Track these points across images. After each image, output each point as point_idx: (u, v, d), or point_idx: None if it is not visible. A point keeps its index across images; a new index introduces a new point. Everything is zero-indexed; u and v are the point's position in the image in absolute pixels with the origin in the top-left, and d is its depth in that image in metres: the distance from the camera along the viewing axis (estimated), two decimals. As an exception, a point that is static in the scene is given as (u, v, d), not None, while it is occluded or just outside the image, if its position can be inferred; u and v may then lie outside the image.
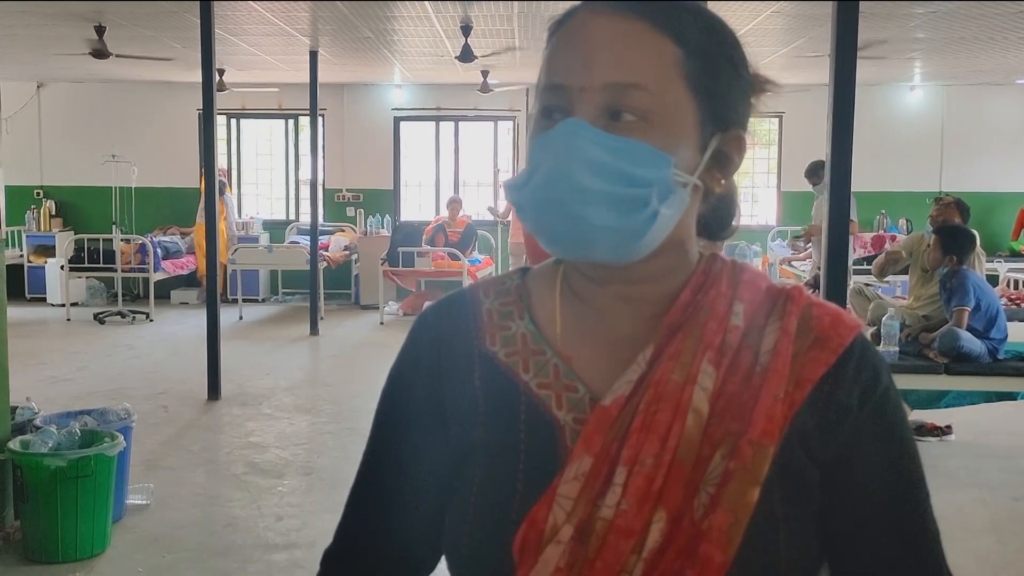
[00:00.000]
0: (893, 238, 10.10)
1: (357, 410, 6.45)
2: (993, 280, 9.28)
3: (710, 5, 1.01)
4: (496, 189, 12.59)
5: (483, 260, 11.29)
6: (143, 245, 10.87)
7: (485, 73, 10.60)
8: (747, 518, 0.82)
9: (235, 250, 11.13)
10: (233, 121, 12.81)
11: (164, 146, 12.38)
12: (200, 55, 6.81)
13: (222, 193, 10.68)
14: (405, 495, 0.97)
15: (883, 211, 11.78)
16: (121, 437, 4.23)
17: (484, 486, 0.90)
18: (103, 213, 11.94)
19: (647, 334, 0.90)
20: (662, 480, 0.83)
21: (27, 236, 11.98)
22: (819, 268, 8.01)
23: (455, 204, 11.24)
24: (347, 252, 11.89)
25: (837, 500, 0.88)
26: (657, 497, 0.82)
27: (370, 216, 12.00)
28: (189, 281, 12.00)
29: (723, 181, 0.91)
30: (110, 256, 10.74)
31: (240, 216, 12.54)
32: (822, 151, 4.49)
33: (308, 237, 10.42)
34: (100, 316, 10.43)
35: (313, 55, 9.51)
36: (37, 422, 4.39)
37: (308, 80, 9.72)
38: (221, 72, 10.71)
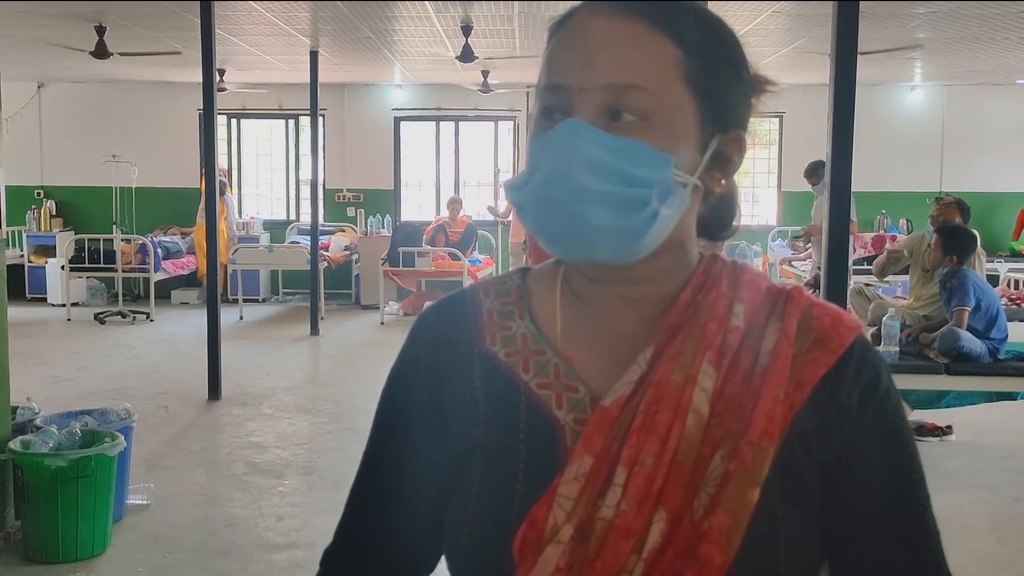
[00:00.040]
0: (893, 238, 10.10)
1: (357, 410, 6.46)
2: (993, 280, 9.28)
3: (710, 5, 1.01)
4: (496, 189, 12.59)
5: (483, 260, 11.29)
6: (143, 245, 10.87)
7: (485, 73, 10.60)
8: (747, 519, 0.82)
9: (235, 250, 11.13)
10: (233, 121, 12.82)
11: (164, 146, 12.38)
12: (200, 55, 6.81)
13: (222, 193, 10.69)
14: (405, 495, 0.97)
15: (883, 211, 11.79)
16: (121, 437, 4.23)
17: (484, 486, 0.90)
18: (104, 213, 11.94)
19: (647, 334, 0.90)
20: (662, 480, 0.83)
21: (28, 236, 11.99)
22: (819, 268, 8.03)
23: (455, 204, 11.24)
24: (347, 252, 11.89)
25: (837, 501, 0.88)
26: (657, 497, 0.82)
27: (370, 216, 12.00)
28: (189, 281, 12.00)
29: (723, 181, 0.91)
30: (110, 256, 10.74)
31: (240, 216, 12.54)
32: (822, 151, 4.49)
33: (308, 237, 10.42)
34: (100, 316, 10.43)
35: (313, 55, 9.52)
36: (38, 422, 4.39)
37: (308, 80, 9.72)
38: (221, 72, 10.71)
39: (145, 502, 4.66)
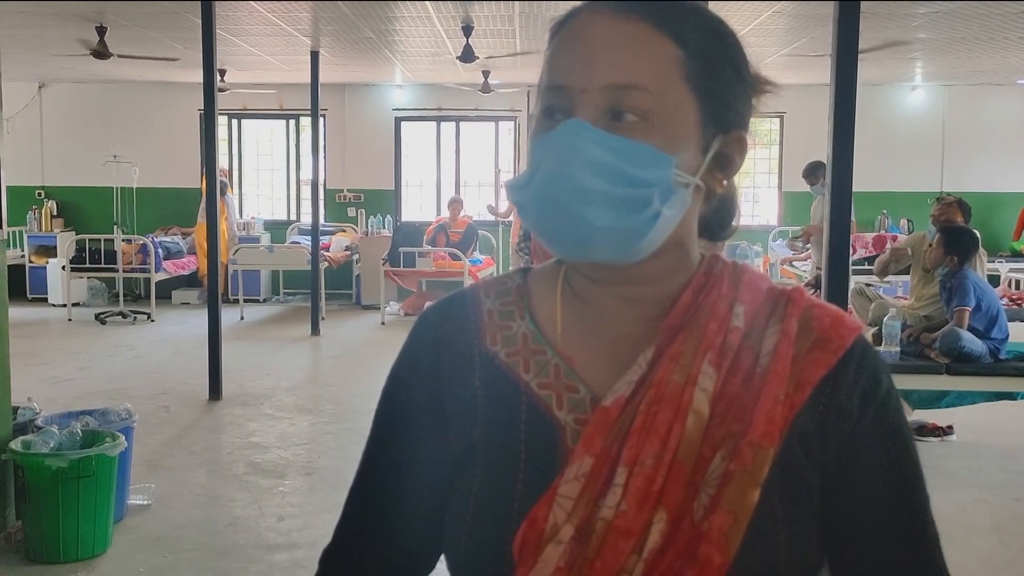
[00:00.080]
0: (894, 238, 10.10)
1: (358, 410, 6.46)
2: (994, 280, 9.28)
3: (711, 5, 1.01)
4: (497, 189, 12.59)
5: (484, 260, 11.29)
6: (144, 245, 10.88)
7: (486, 73, 10.60)
8: (747, 519, 0.82)
9: (236, 250, 11.14)
10: (234, 121, 12.82)
11: (165, 146, 12.39)
12: (201, 55, 6.81)
13: (223, 193, 10.68)
14: (405, 495, 0.97)
15: (884, 211, 11.78)
16: (122, 437, 4.23)
17: (484, 486, 0.90)
18: (104, 213, 11.94)
19: (648, 335, 0.90)
20: (662, 481, 0.83)
21: (28, 236, 11.99)
22: (819, 268, 8.04)
23: (456, 204, 11.24)
24: (348, 252, 11.90)
25: (838, 501, 0.88)
26: (657, 498, 0.83)
27: (371, 216, 12.01)
28: (190, 281, 12.00)
29: (725, 182, 0.91)
30: (111, 256, 10.74)
31: (241, 216, 12.54)
32: (823, 151, 4.49)
33: (309, 237, 10.42)
34: (101, 316, 10.44)
35: (314, 55, 9.52)
36: (38, 422, 4.39)
37: (309, 80, 9.72)
38: (222, 72, 10.72)
39: (146, 502, 4.66)
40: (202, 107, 7.22)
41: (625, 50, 0.85)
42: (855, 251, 9.78)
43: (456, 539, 0.91)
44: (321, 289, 10.29)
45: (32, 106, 12.40)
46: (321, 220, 10.44)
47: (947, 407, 5.85)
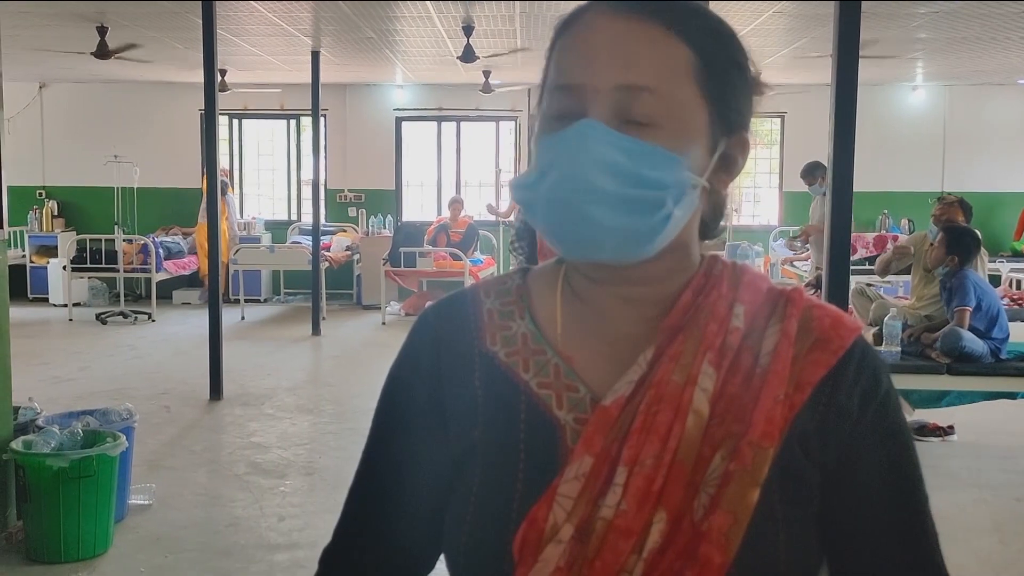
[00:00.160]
0: (895, 238, 10.10)
1: (359, 410, 6.46)
2: (995, 280, 9.28)
3: (711, 5, 1.01)
4: (498, 189, 12.59)
5: (485, 260, 11.29)
6: (145, 245, 10.88)
7: (487, 73, 10.60)
8: (747, 519, 0.82)
9: (237, 250, 11.14)
10: (235, 121, 12.82)
11: (166, 146, 12.39)
12: (202, 55, 6.81)
13: (224, 193, 10.69)
14: (404, 494, 0.97)
15: (885, 211, 11.78)
16: (123, 437, 4.23)
17: (484, 486, 0.90)
18: (105, 213, 11.95)
19: (648, 335, 0.90)
20: (662, 481, 0.83)
21: (29, 236, 12.00)
22: (818, 268, 8.04)
23: (457, 204, 11.24)
24: (349, 252, 11.90)
25: (838, 502, 0.88)
26: (657, 498, 0.83)
27: (372, 216, 12.01)
28: (191, 281, 12.01)
29: (729, 183, 0.92)
30: (112, 256, 10.74)
31: (242, 216, 12.55)
32: (824, 151, 4.49)
33: (310, 237, 10.43)
34: (102, 316, 10.44)
35: (315, 55, 9.52)
36: (39, 422, 4.39)
37: (310, 80, 9.72)
38: (223, 72, 10.72)
39: (147, 502, 4.66)
40: (203, 107, 7.22)
41: (638, 51, 0.85)
42: (856, 251, 9.79)
43: (456, 539, 0.91)
44: (322, 289, 10.30)
45: (33, 106, 12.40)
46: (322, 220, 10.45)
47: (947, 406, 5.84)
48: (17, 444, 4.08)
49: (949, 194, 7.39)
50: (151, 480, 4.92)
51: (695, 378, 0.86)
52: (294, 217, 12.90)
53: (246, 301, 11.11)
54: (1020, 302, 8.66)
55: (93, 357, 8.44)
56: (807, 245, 9.05)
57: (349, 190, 12.65)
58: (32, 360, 7.89)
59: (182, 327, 10.08)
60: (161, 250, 11.05)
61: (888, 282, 8.57)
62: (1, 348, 4.39)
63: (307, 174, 12.35)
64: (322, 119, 11.17)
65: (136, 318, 10.44)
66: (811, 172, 8.40)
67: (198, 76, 7.38)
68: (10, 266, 4.97)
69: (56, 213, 12.38)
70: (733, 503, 0.82)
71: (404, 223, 11.66)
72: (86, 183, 12.35)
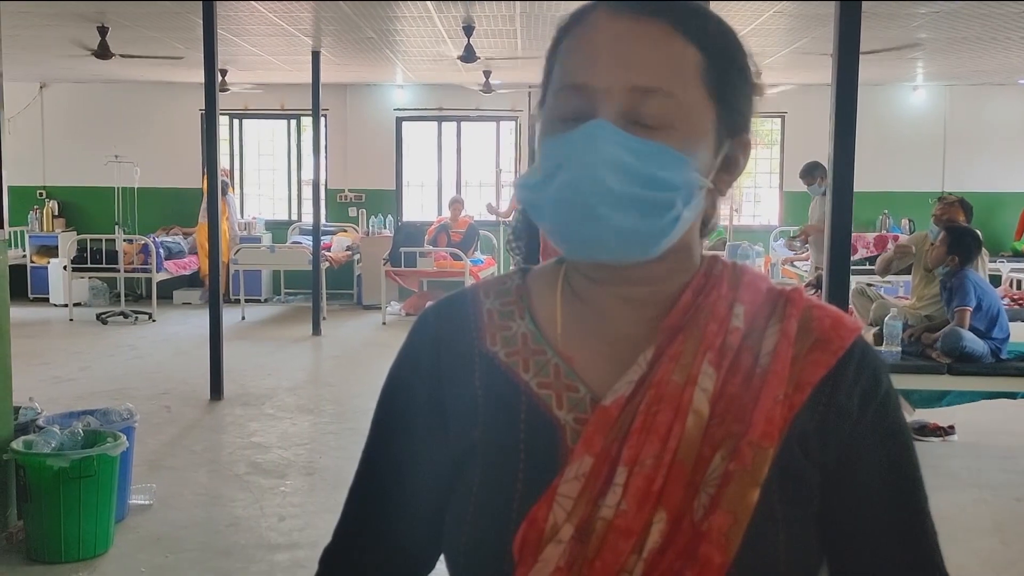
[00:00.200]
0: (895, 238, 10.10)
1: (359, 410, 6.46)
2: (996, 280, 9.28)
3: (712, 5, 1.01)
4: (498, 189, 12.59)
5: (485, 260, 11.29)
6: (146, 245, 10.88)
7: (487, 73, 10.60)
8: (747, 519, 0.82)
9: (237, 250, 11.14)
10: (235, 121, 12.82)
11: (167, 146, 12.39)
12: (203, 55, 6.81)
13: (224, 193, 10.69)
14: (404, 494, 0.97)
15: (886, 211, 11.78)
16: (124, 437, 4.23)
17: (484, 486, 0.90)
18: (106, 213, 11.95)
19: (648, 335, 0.90)
20: (662, 481, 0.83)
21: (30, 236, 12.00)
22: (818, 268, 8.04)
23: (457, 204, 11.24)
24: (349, 252, 11.90)
25: (838, 502, 0.88)
26: (657, 498, 0.83)
27: (372, 216, 12.02)
28: (192, 281, 12.01)
29: (731, 184, 0.92)
30: (113, 256, 10.75)
31: (242, 216, 12.55)
32: (825, 151, 4.48)
33: (310, 237, 10.43)
34: (103, 316, 10.44)
35: (315, 55, 9.52)
36: (40, 422, 4.39)
37: (310, 80, 9.72)
38: (223, 72, 10.72)
39: (147, 502, 4.66)
40: (203, 107, 7.22)
41: (650, 52, 0.85)
42: (856, 251, 9.79)
43: (456, 539, 0.91)
44: (322, 289, 10.30)
45: (33, 106, 12.41)
46: (322, 220, 10.45)
47: (948, 405, 5.84)
48: (18, 444, 4.08)
49: (950, 194, 7.39)
50: (152, 480, 4.92)
51: (695, 378, 0.86)
52: (294, 217, 12.90)
53: (246, 301, 11.11)
54: (1021, 302, 8.66)
55: (94, 357, 8.45)
56: (806, 245, 9.06)
57: (349, 190, 12.66)
58: (33, 360, 7.89)
59: (183, 327, 10.09)
60: (162, 250, 11.05)
61: (888, 282, 8.57)
62: (2, 348, 4.39)
63: (307, 174, 12.35)
64: (322, 119, 11.17)
65: (137, 318, 10.44)
66: (810, 172, 8.42)
67: (199, 76, 7.38)
68: (11, 266, 4.97)
69: (57, 213, 12.38)
70: (733, 503, 0.82)
71: (404, 223, 11.66)
72: (87, 183, 12.35)
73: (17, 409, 4.52)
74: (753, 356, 0.88)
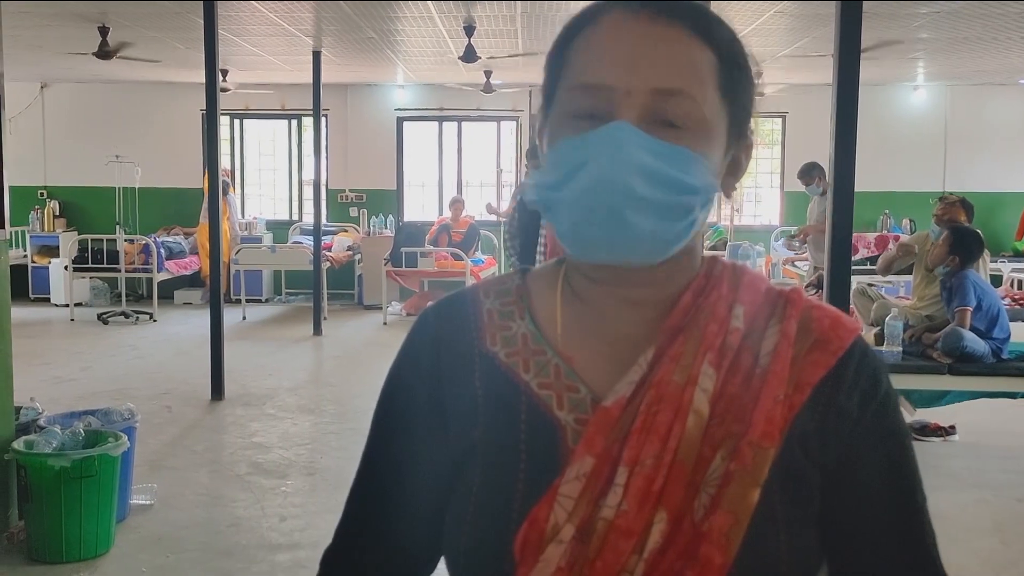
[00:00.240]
0: (896, 238, 10.10)
1: (360, 410, 6.46)
2: (997, 280, 9.28)
3: (712, 5, 1.02)
4: (499, 189, 12.59)
5: (486, 260, 11.30)
6: (147, 245, 10.89)
7: (488, 73, 10.60)
8: (747, 520, 0.82)
9: (238, 250, 11.15)
10: (236, 121, 12.83)
11: (167, 146, 12.40)
12: (203, 56, 6.81)
13: (225, 193, 10.70)
14: (405, 495, 0.97)
15: (886, 211, 11.78)
16: (125, 437, 4.23)
17: (484, 486, 0.90)
18: (107, 213, 11.95)
19: (648, 336, 0.90)
20: (663, 481, 0.83)
21: (31, 236, 12.00)
22: (816, 268, 8.04)
23: (458, 204, 11.24)
24: (350, 252, 11.90)
25: (838, 502, 0.89)
26: (658, 498, 0.83)
27: (373, 216, 12.02)
28: (193, 281, 12.02)
29: (735, 185, 0.92)
30: (114, 256, 10.75)
31: (243, 216, 12.55)
32: (825, 151, 4.48)
33: (311, 237, 10.43)
34: (104, 316, 10.44)
35: (316, 55, 9.52)
36: (41, 422, 4.39)
37: (311, 80, 9.72)
38: (224, 73, 10.72)
39: (148, 502, 4.66)
40: (204, 107, 7.22)
41: (672, 55, 0.85)
42: (857, 251, 9.79)
43: (456, 539, 0.91)
44: (323, 289, 10.31)
45: (34, 106, 12.41)
46: (323, 220, 10.45)
47: (948, 404, 5.84)
48: (19, 444, 4.08)
49: (950, 194, 7.39)
50: (153, 480, 4.92)
51: (695, 378, 0.86)
52: (295, 217, 12.90)
53: (247, 301, 11.12)
54: (1022, 302, 8.66)
55: (95, 357, 8.45)
56: (805, 244, 9.07)
57: (350, 190, 12.66)
58: (34, 360, 7.89)
59: (183, 327, 10.09)
60: (162, 250, 11.06)
61: (889, 282, 8.58)
62: (3, 348, 4.39)
63: (308, 174, 12.36)
64: (323, 119, 11.17)
65: (138, 318, 10.45)
66: (808, 173, 8.45)
67: (199, 76, 7.38)
68: (12, 266, 4.97)
69: (58, 213, 12.39)
70: (733, 503, 0.82)
71: (405, 223, 11.67)
72: (88, 183, 12.36)
73: (18, 409, 4.53)
74: (753, 356, 0.88)
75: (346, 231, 12.29)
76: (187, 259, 11.71)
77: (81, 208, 12.50)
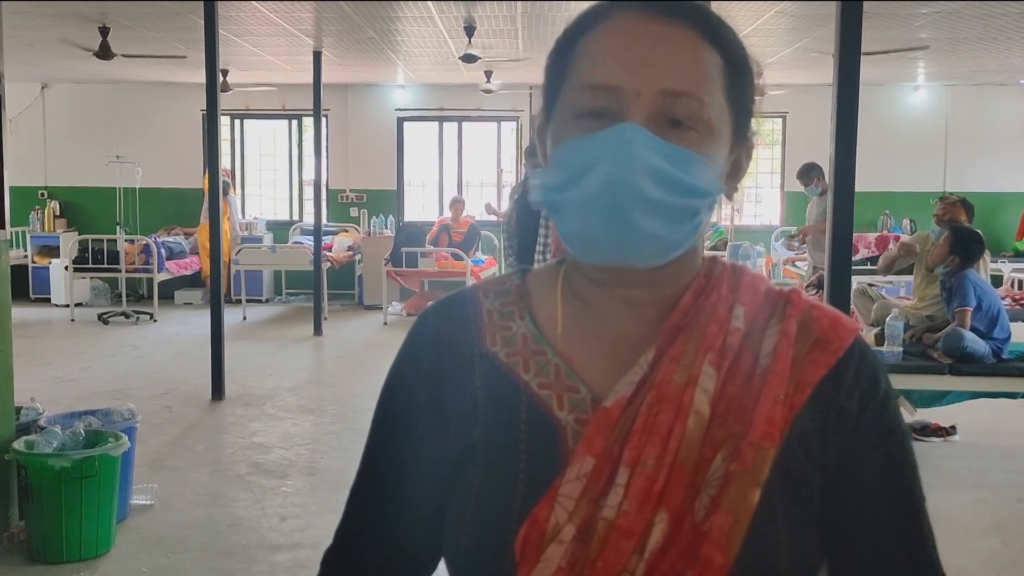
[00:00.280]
0: (897, 238, 10.10)
1: (360, 410, 6.46)
2: (997, 281, 9.27)
3: (713, 5, 1.01)
4: (499, 189, 12.59)
5: (486, 260, 11.30)
6: (147, 246, 10.89)
7: (488, 73, 10.60)
8: (748, 520, 0.82)
9: (239, 250, 11.15)
10: (237, 121, 12.83)
11: (168, 146, 12.40)
12: (204, 56, 6.81)
13: (226, 193, 10.70)
14: (405, 495, 0.97)
15: (887, 211, 11.78)
16: (125, 437, 4.23)
17: (484, 486, 0.90)
18: (107, 213, 11.95)
19: (648, 336, 0.90)
20: (663, 481, 0.83)
21: (31, 237, 12.01)
22: (816, 268, 8.04)
23: (458, 204, 11.24)
24: (351, 252, 11.90)
25: (837, 502, 0.89)
26: (659, 498, 0.83)
27: (373, 216, 12.02)
28: (193, 281, 12.02)
29: (736, 186, 0.92)
30: (114, 256, 10.76)
31: (244, 216, 12.55)
32: (826, 151, 4.48)
33: (312, 237, 10.43)
34: (104, 316, 10.45)
35: (317, 56, 9.52)
36: (42, 422, 4.39)
37: (312, 80, 9.72)
38: (225, 73, 10.72)
39: (149, 502, 4.66)
40: (205, 107, 7.22)
41: (680, 56, 0.85)
42: (857, 251, 9.79)
43: (456, 539, 0.91)
44: (323, 289, 10.31)
45: (35, 106, 12.41)
46: (323, 220, 10.45)
47: (948, 404, 5.84)
48: (19, 444, 4.09)
49: (951, 194, 7.39)
50: (153, 480, 4.92)
51: (696, 379, 0.86)
52: (296, 217, 12.90)
53: (248, 301, 11.12)
54: (1022, 302, 8.65)
55: (95, 357, 8.45)
56: (803, 244, 9.08)
57: (351, 190, 12.66)
58: (34, 360, 7.89)
59: (184, 327, 10.09)
60: (163, 250, 11.06)
61: (890, 282, 8.59)
62: (3, 348, 4.39)
63: (309, 174, 12.36)
64: (324, 119, 11.16)
65: (138, 318, 10.45)
66: (806, 173, 8.46)
67: (200, 76, 7.39)
68: (12, 266, 4.97)
69: (58, 213, 12.39)
70: (734, 503, 0.82)
71: (406, 223, 11.67)
72: (88, 183, 12.36)
73: (19, 409, 4.53)
74: (753, 357, 0.88)
75: (346, 231, 12.29)
76: (187, 259, 11.71)
77: (82, 208, 12.50)
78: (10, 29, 8.09)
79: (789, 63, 9.55)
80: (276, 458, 5.51)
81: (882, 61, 9.17)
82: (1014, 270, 10.51)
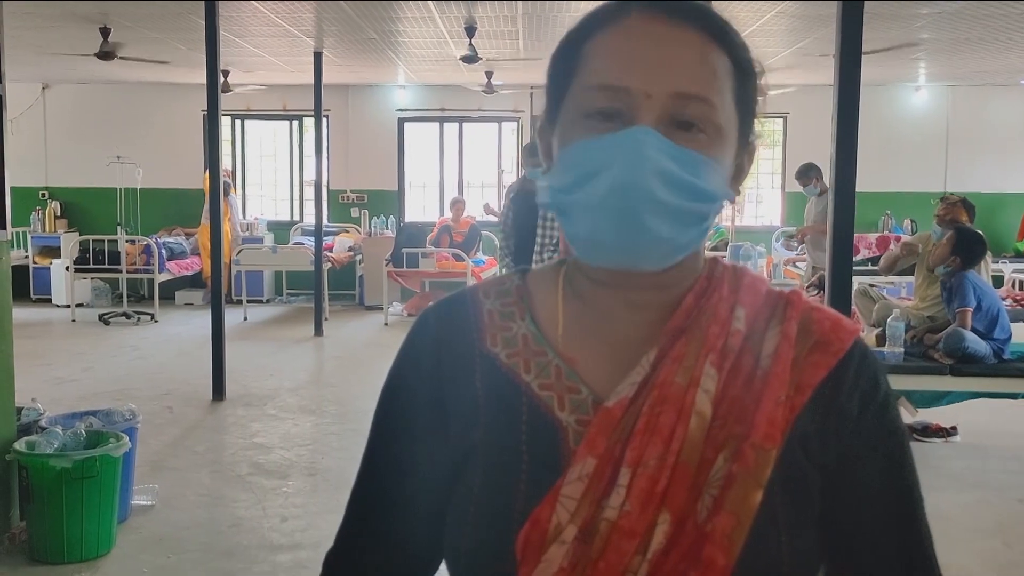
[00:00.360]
0: (898, 239, 10.09)
1: (361, 411, 6.46)
2: (998, 281, 9.27)
3: (715, 6, 1.01)
4: (499, 190, 12.59)
5: (487, 261, 11.30)
6: (148, 246, 10.89)
7: (489, 74, 10.60)
8: (750, 521, 0.82)
9: (239, 251, 11.15)
10: (237, 122, 12.83)
11: (169, 147, 12.41)
12: (205, 56, 6.81)
13: (226, 194, 10.69)
14: (405, 495, 0.97)
15: (888, 211, 11.78)
16: (126, 438, 4.23)
17: (485, 487, 0.90)
18: (108, 214, 11.96)
19: (649, 337, 0.90)
20: (666, 482, 0.83)
21: (32, 237, 12.01)
22: (815, 269, 8.04)
23: (459, 205, 11.25)
24: (351, 253, 11.91)
25: (837, 503, 0.89)
26: (661, 499, 0.83)
27: (374, 217, 12.03)
28: (194, 282, 12.02)
29: (738, 189, 0.92)
30: (115, 257, 10.76)
31: (244, 217, 12.56)
32: (827, 151, 4.48)
33: (312, 238, 10.44)
34: (105, 317, 10.45)
35: (317, 56, 9.53)
36: (42, 423, 4.40)
37: (312, 81, 9.73)
38: (226, 73, 10.73)
39: (150, 503, 4.66)
40: (205, 108, 7.22)
41: (693, 59, 0.85)
42: (858, 252, 9.78)
43: (457, 540, 0.91)
44: (324, 290, 10.31)
45: (36, 107, 12.42)
46: (324, 221, 10.46)
47: (949, 404, 5.84)
48: (20, 445, 4.09)
49: (952, 194, 7.39)
50: (154, 481, 4.92)
51: (697, 380, 0.86)
52: (296, 218, 12.91)
53: (248, 302, 11.12)
54: (1023, 303, 8.65)
55: (96, 358, 8.45)
56: (802, 245, 9.08)
57: (351, 191, 12.66)
58: (35, 361, 7.89)
59: (185, 328, 10.09)
60: (164, 251, 11.06)
61: (891, 283, 8.58)
62: (4, 349, 4.39)
63: (309, 175, 12.36)
64: (324, 120, 11.16)
65: (139, 319, 10.45)
66: (805, 174, 8.47)
67: (201, 77, 7.39)
68: (13, 267, 4.97)
69: (59, 214, 12.39)
70: (736, 504, 0.82)
71: (406, 224, 11.67)
72: (89, 184, 12.37)
73: (20, 410, 4.53)
74: (754, 358, 0.88)
75: (347, 232, 12.30)
76: (188, 260, 11.72)
77: (82, 209, 12.50)
78: (11, 30, 8.10)
79: (790, 63, 9.55)
80: (277, 459, 5.51)
81: (883, 61, 9.17)
82: (1015, 271, 10.51)
